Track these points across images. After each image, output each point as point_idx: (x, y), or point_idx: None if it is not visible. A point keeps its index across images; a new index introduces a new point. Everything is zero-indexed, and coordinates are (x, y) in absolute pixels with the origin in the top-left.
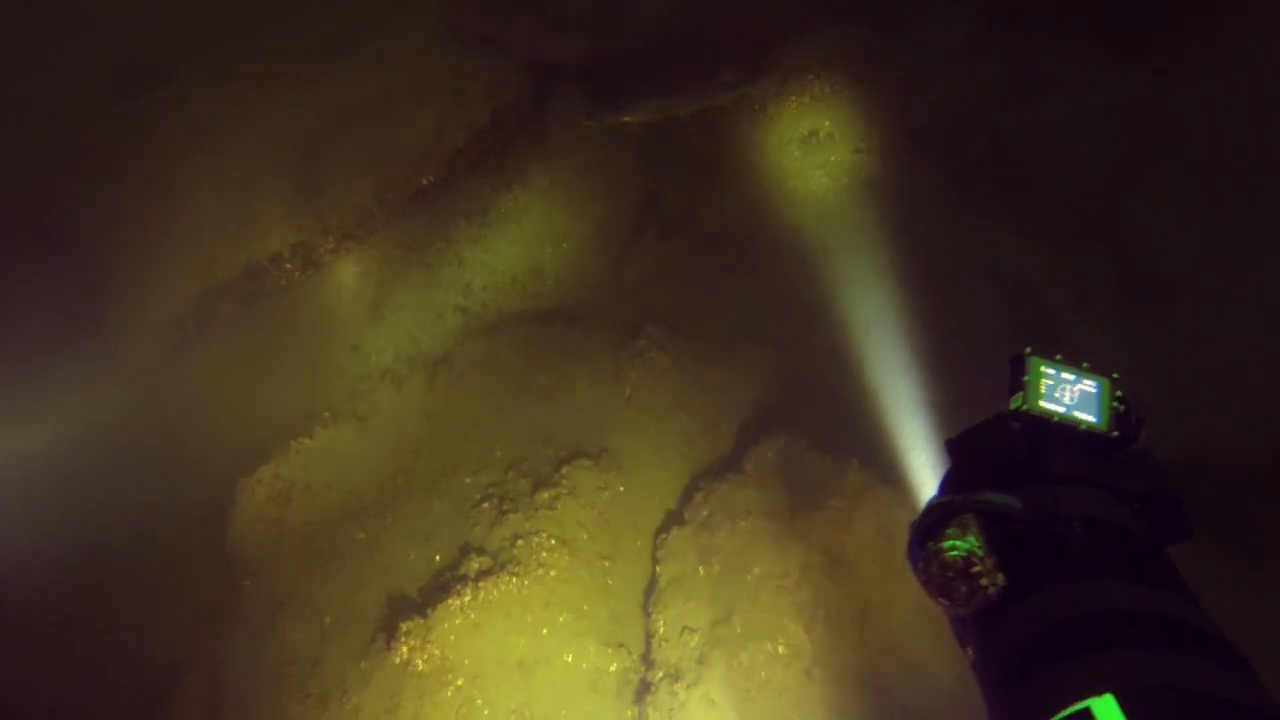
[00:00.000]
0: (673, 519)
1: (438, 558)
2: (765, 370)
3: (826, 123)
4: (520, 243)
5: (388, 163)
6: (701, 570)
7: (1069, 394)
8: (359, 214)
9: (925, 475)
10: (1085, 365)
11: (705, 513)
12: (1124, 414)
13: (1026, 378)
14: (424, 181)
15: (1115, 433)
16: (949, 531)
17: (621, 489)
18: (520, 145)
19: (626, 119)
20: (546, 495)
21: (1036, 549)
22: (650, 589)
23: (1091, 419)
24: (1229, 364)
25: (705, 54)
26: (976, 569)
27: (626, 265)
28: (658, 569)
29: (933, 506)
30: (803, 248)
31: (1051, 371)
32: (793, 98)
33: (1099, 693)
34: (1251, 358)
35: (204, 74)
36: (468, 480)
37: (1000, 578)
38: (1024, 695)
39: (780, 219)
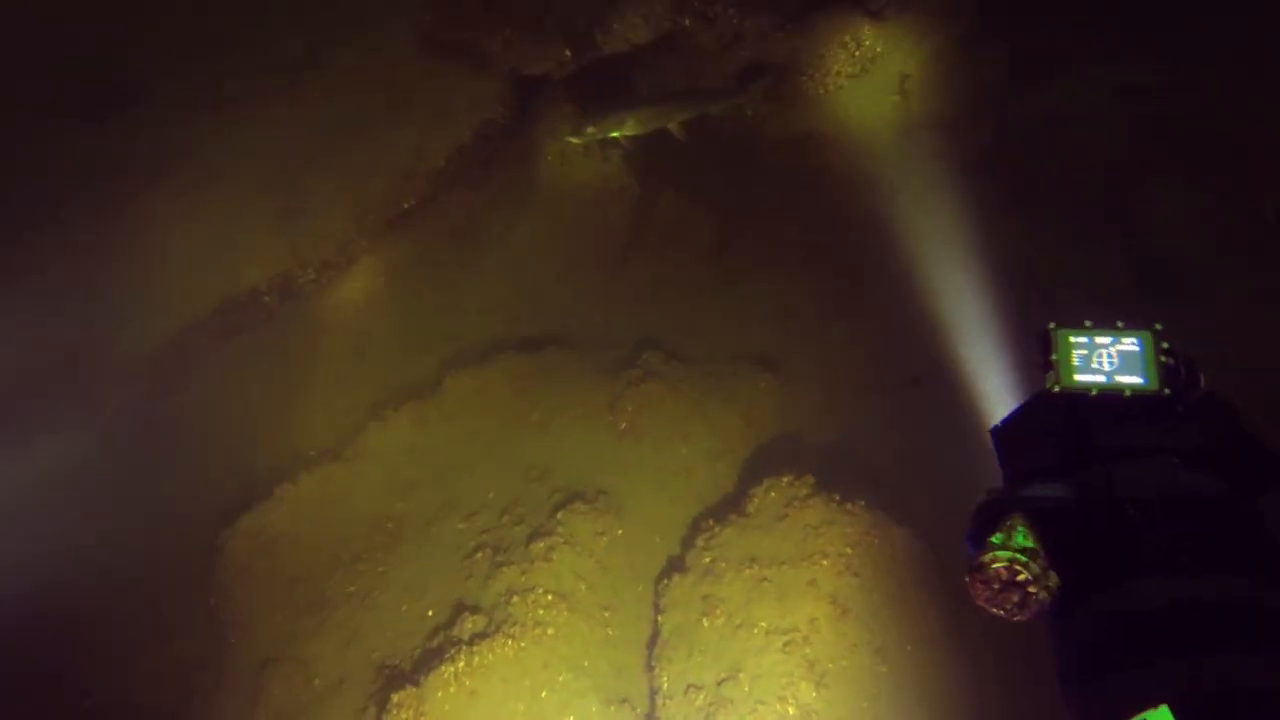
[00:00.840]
0: (674, 565)
1: (430, 612)
2: (766, 396)
3: (822, 125)
4: (508, 264)
5: (367, 185)
6: (706, 622)
7: (1108, 359)
8: (339, 241)
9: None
10: (1120, 324)
11: (708, 559)
12: (1173, 366)
13: (1055, 355)
14: (405, 204)
15: (1167, 390)
16: (993, 540)
17: (620, 532)
18: (505, 160)
19: (614, 134)
20: (542, 545)
21: (1093, 541)
22: (653, 640)
23: (1138, 380)
24: (1252, 358)
25: (692, 61)
26: (1023, 576)
27: (620, 282)
28: (660, 619)
29: (981, 508)
30: (801, 258)
31: (1083, 340)
32: (784, 100)
33: (1154, 704)
34: (1275, 351)
35: (172, 94)
36: (460, 526)
37: (1053, 579)
38: (1083, 707)
39: (776, 228)
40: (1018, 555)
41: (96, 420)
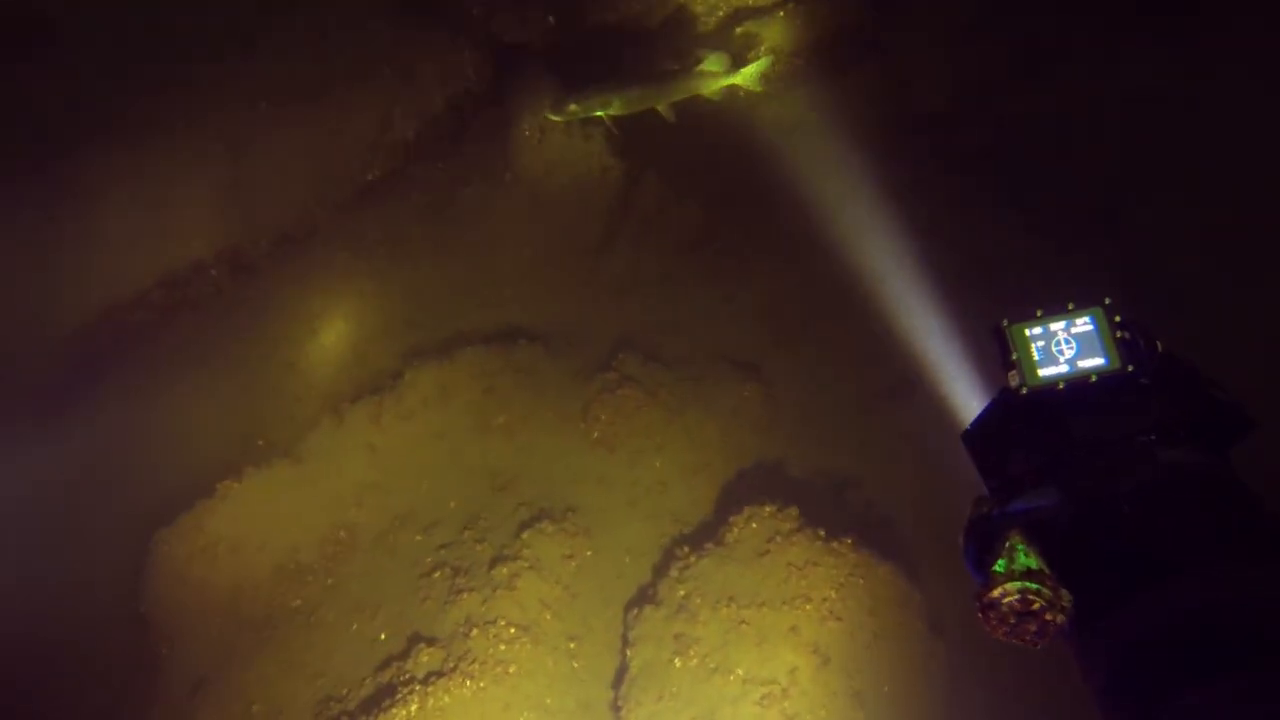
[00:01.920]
0: (646, 595)
1: (383, 635)
2: (748, 405)
3: (817, 112)
4: (478, 246)
5: (327, 156)
6: (678, 662)
7: (1066, 345)
8: (296, 213)
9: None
10: (1071, 305)
11: (682, 593)
12: (1131, 340)
13: (1015, 354)
14: (370, 176)
15: (1130, 366)
16: (996, 569)
17: (589, 553)
18: (479, 134)
19: (598, 113)
20: (505, 571)
21: (1093, 546)
22: (620, 675)
23: (1099, 361)
24: (1247, 371)
25: (685, 36)
26: (1037, 604)
27: (597, 271)
28: (629, 652)
29: (972, 524)
30: (791, 252)
31: (1038, 331)
32: (781, 84)
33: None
34: (1270, 365)
35: (99, 40)
36: (418, 538)
37: (1066, 597)
38: None
39: (766, 220)
40: (1028, 584)
41: (16, 402)
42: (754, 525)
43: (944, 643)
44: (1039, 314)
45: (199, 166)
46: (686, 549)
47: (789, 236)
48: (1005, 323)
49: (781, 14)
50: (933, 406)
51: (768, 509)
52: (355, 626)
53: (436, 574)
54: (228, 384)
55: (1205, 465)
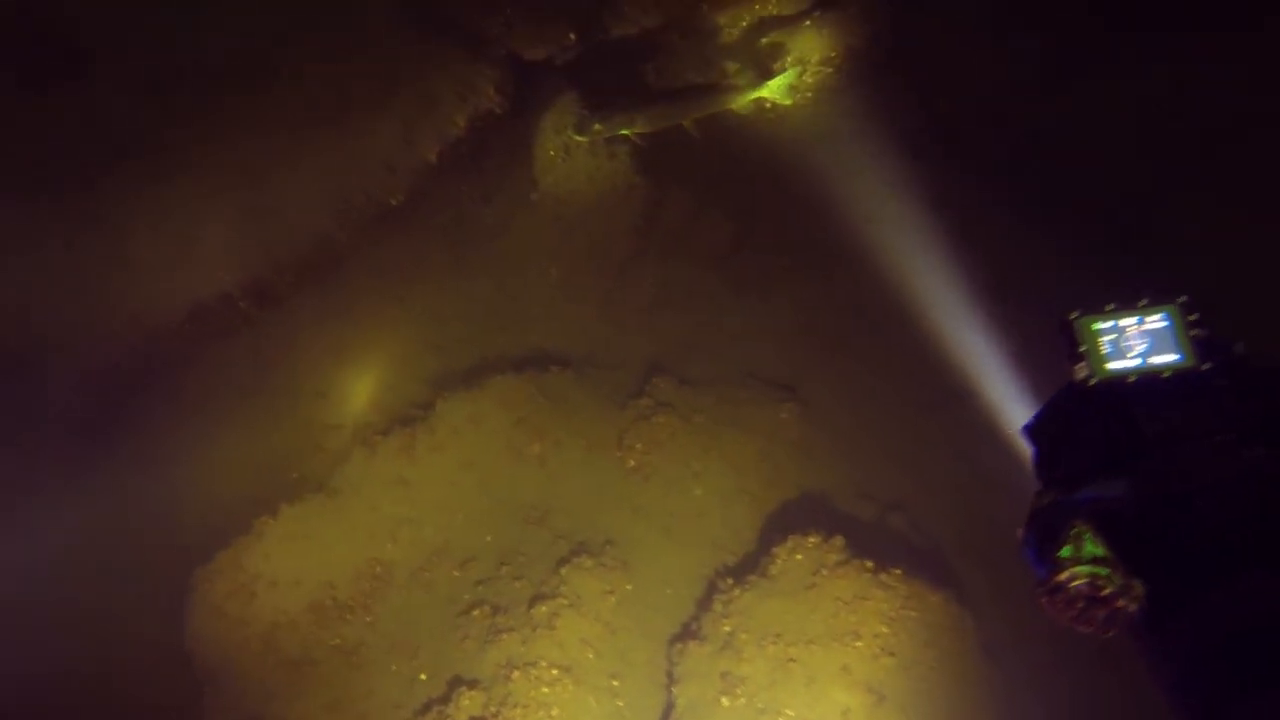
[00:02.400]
0: (689, 630)
1: (422, 675)
2: (785, 427)
3: (845, 122)
4: (503, 266)
5: (348, 182)
6: (726, 701)
7: (1138, 341)
8: (319, 241)
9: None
10: (1143, 302)
11: (727, 628)
12: (1208, 339)
13: (1083, 347)
14: (393, 202)
15: (1206, 364)
16: (1062, 555)
17: (629, 587)
18: (501, 154)
19: (623, 131)
20: (545, 610)
21: (1165, 538)
22: (667, 715)
23: (1173, 358)
24: None
25: (709, 49)
26: (1107, 590)
27: (625, 291)
28: (674, 690)
29: (1034, 515)
30: (821, 265)
31: (1108, 325)
32: (809, 95)
33: None
34: None
35: (123, 70)
36: (455, 574)
37: (1138, 587)
38: None
39: (796, 233)
40: (1097, 569)
41: (54, 434)
42: (799, 557)
43: (1000, 667)
44: (1109, 308)
45: (222, 196)
46: (729, 581)
47: (819, 249)
48: (1074, 315)
49: (807, 23)
50: (972, 420)
51: (812, 539)
52: (394, 666)
53: (475, 612)
54: (260, 415)
55: (1275, 466)
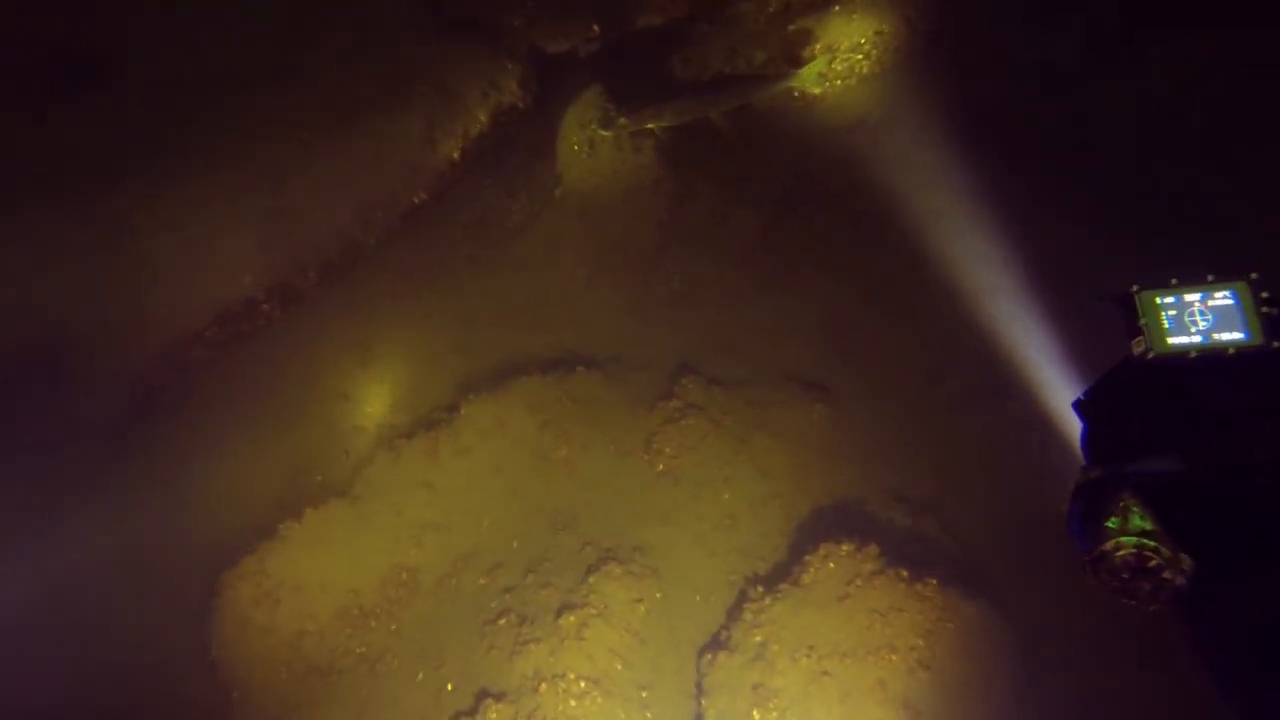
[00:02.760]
0: (719, 640)
1: (449, 686)
2: (816, 428)
3: (878, 108)
4: (528, 264)
5: (369, 181)
6: (757, 715)
7: (1202, 317)
8: (341, 241)
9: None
10: (1211, 278)
11: (758, 638)
12: (1277, 317)
13: (1143, 320)
14: (415, 200)
15: (1276, 342)
16: (1109, 525)
17: (658, 595)
18: (525, 150)
19: (650, 125)
20: (573, 620)
21: (1220, 514)
22: None
23: (1239, 336)
24: None
25: (735, 37)
26: (1154, 562)
27: (651, 288)
28: (704, 701)
29: (1081, 488)
30: (852, 258)
31: (1171, 300)
32: (839, 83)
33: None
34: None
35: (143, 73)
36: (481, 581)
37: (1186, 562)
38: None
39: (827, 226)
40: (1145, 540)
41: (83, 439)
42: (831, 565)
43: (1038, 683)
44: (1173, 282)
45: (244, 200)
46: (760, 589)
47: (850, 243)
48: (1135, 287)
49: (836, 8)
50: (1007, 416)
51: (845, 547)
52: (421, 676)
53: (502, 621)
54: (285, 418)
55: None
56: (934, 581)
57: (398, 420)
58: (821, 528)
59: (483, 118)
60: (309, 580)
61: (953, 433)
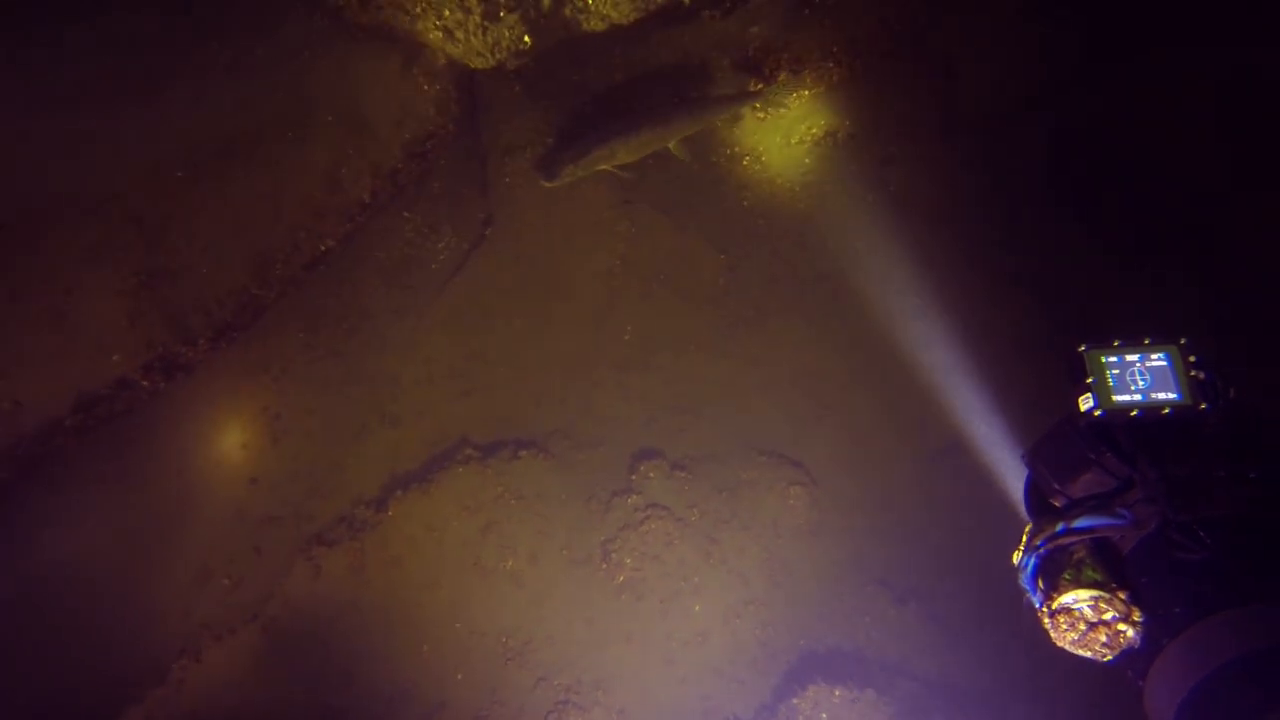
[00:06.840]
0: None
1: None
2: (791, 512)
3: (845, 121)
4: (456, 317)
5: (263, 229)
6: None
7: (1141, 377)
8: (235, 299)
9: None
10: (1147, 340)
11: None
12: (1206, 381)
13: (1091, 378)
14: (321, 248)
15: (1203, 404)
16: (1064, 578)
17: None
18: (449, 182)
19: (603, 167)
20: None
21: (1166, 568)
22: None
23: (1172, 396)
24: None
25: (689, 46)
26: (1109, 614)
27: (602, 346)
28: None
29: (1034, 542)
30: (822, 302)
31: (1114, 360)
32: (807, 97)
33: None
34: None
35: None
36: None
37: (1137, 615)
38: None
39: (793, 265)
40: (1100, 592)
41: None
42: (824, 716)
43: None
44: (1116, 343)
45: (108, 259)
46: None
47: (819, 280)
48: (1083, 347)
49: (806, 11)
50: (983, 467)
51: (837, 693)
52: None
53: None
54: (171, 511)
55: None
56: None
57: (316, 511)
58: (804, 664)
59: (395, 150)
60: None
61: (930, 495)
